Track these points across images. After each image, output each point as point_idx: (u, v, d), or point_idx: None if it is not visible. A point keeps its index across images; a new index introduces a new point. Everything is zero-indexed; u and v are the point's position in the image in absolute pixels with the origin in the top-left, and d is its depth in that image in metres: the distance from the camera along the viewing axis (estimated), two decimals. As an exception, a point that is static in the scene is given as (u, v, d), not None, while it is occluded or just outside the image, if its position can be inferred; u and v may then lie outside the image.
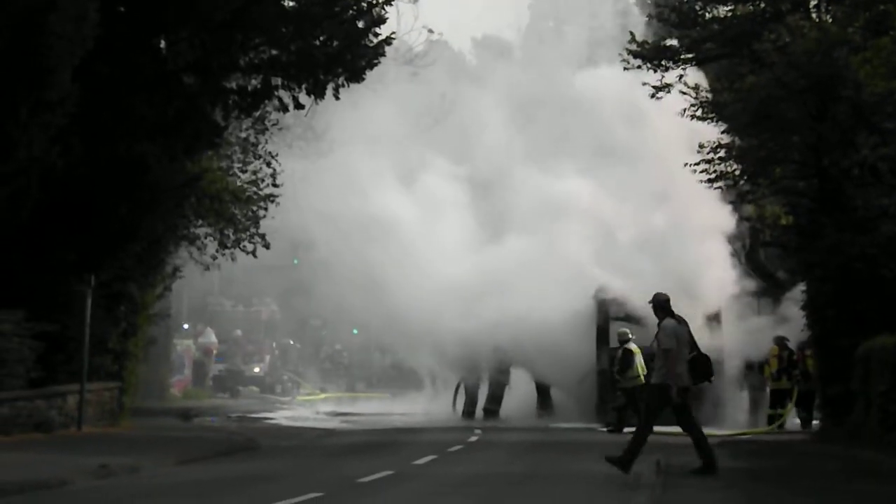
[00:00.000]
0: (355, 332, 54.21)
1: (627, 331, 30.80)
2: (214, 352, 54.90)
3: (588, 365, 34.27)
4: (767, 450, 25.48)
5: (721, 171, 31.89)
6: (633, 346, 30.38)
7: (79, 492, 15.77)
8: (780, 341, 31.29)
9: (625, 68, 36.98)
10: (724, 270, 33.27)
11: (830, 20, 27.39)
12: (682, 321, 18.97)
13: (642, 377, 29.52)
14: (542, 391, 35.04)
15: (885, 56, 19.97)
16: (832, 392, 27.15)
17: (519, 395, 35.67)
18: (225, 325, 58.34)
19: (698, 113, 29.03)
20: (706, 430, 29.09)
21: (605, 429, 30.96)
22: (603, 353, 33.65)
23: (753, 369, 32.38)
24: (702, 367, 19.26)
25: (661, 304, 18.84)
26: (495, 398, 35.37)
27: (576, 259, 33.85)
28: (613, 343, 32.93)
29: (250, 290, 61.21)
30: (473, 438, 26.98)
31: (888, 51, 19.94)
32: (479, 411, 35.77)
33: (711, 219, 33.23)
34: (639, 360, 30.00)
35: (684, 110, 29.27)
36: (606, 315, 33.66)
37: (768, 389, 31.69)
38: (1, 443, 20.94)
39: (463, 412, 35.37)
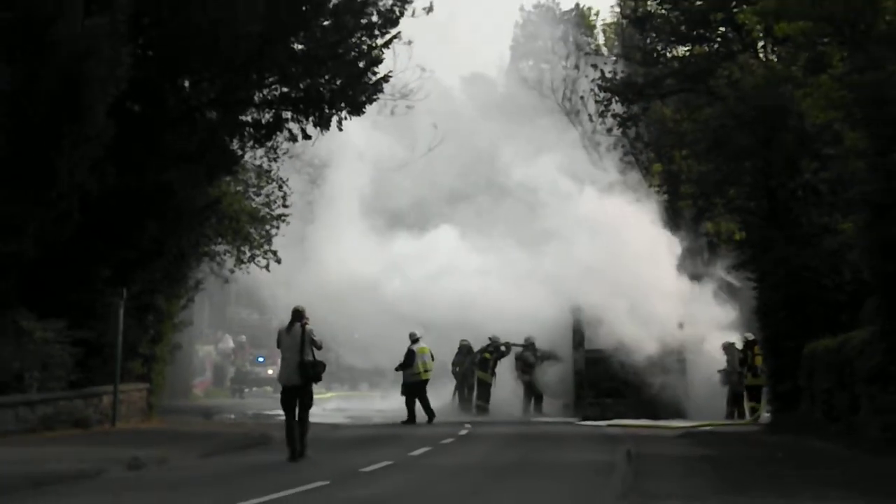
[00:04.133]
0: (356, 335, 54.02)
1: (416, 332, 31.00)
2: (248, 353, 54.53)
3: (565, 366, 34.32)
4: (725, 439, 25.40)
5: (682, 193, 32.08)
6: (415, 348, 30.56)
7: (113, 481, 15.74)
8: (746, 343, 31.23)
9: (596, 101, 37.15)
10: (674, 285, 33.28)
11: (776, 59, 27.54)
12: None
13: (422, 374, 30.25)
14: (533, 389, 34.99)
15: (823, 91, 20.06)
16: (782, 388, 27.18)
17: (505, 392, 35.55)
18: (241, 332, 58.18)
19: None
20: (682, 423, 29.36)
21: (582, 422, 31.03)
22: (579, 355, 33.70)
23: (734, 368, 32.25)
24: None
25: None
26: (484, 395, 35.35)
27: (555, 277, 33.81)
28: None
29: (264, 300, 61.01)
30: (464, 432, 26.81)
31: (826, 86, 20.03)
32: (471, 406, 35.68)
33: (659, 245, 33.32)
34: (420, 358, 30.39)
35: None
36: (580, 324, 33.67)
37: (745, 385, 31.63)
38: (44, 437, 20.95)
39: (460, 407, 35.30)
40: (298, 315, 18.60)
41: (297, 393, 18.53)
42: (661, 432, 27.56)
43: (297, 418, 18.57)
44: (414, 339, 30.85)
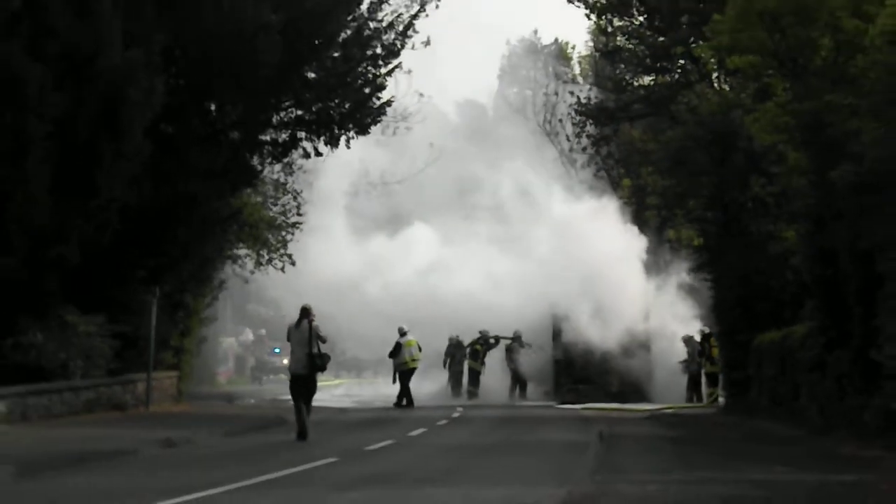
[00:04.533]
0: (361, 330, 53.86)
1: (404, 326, 31.01)
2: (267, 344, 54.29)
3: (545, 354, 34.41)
4: (685, 421, 25.52)
5: (648, 204, 32.16)
6: (402, 340, 30.61)
7: (147, 458, 15.81)
8: (703, 335, 31.37)
9: (573, 123, 37.27)
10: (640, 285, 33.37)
11: (728, 88, 27.64)
12: None
13: (410, 363, 30.26)
14: (518, 377, 35.05)
15: (769, 117, 20.16)
16: (734, 375, 27.25)
17: (493, 380, 35.62)
18: (260, 326, 58.11)
19: None
20: (648, 406, 29.42)
21: (560, 406, 31.14)
22: (557, 346, 33.81)
23: (693, 358, 32.33)
24: None
25: None
26: (474, 381, 35.48)
27: (536, 279, 33.86)
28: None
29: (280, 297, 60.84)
30: (456, 415, 26.81)
31: (772, 113, 20.13)
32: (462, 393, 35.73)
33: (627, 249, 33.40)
34: (406, 350, 30.42)
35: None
36: (557, 319, 33.78)
37: (704, 373, 31.74)
38: (86, 419, 21.03)
39: (453, 394, 35.34)
40: (306, 312, 18.75)
41: (305, 381, 18.68)
42: (630, 415, 27.66)
43: (303, 402, 18.68)
44: (402, 333, 30.97)
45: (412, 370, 30.84)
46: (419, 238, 37.80)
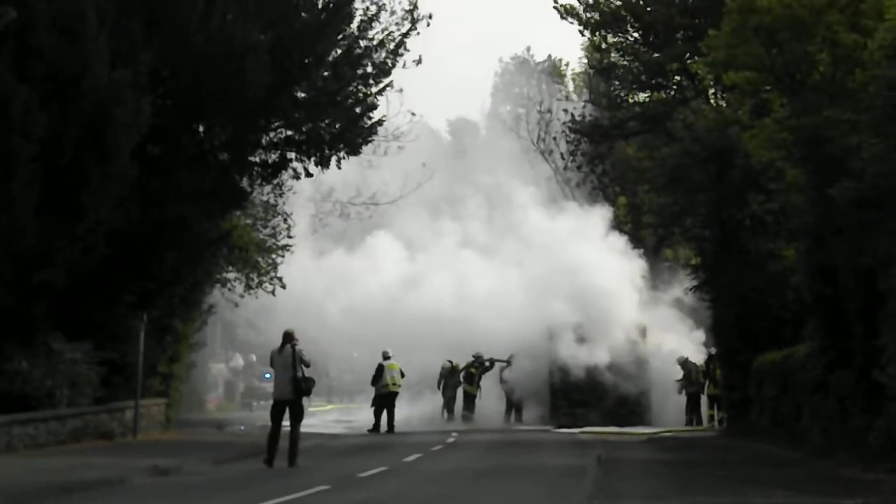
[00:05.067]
0: (355, 354, 53.77)
1: (388, 350, 30.94)
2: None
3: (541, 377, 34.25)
4: (684, 444, 25.45)
5: (644, 223, 32.13)
6: (385, 364, 30.55)
7: (135, 487, 15.71)
8: (709, 356, 31.28)
9: (567, 141, 37.28)
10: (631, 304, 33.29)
11: (725, 105, 27.68)
12: None
13: (391, 387, 30.23)
14: (513, 400, 34.87)
15: (767, 133, 20.20)
16: (734, 397, 27.21)
17: (489, 403, 35.46)
18: (250, 351, 57.87)
19: None
20: (647, 430, 29.29)
21: (557, 430, 30.98)
22: (553, 370, 33.62)
23: (689, 379, 32.30)
24: None
25: None
26: (470, 405, 35.29)
27: (534, 297, 33.75)
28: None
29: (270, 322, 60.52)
30: (451, 440, 26.67)
31: (770, 129, 20.17)
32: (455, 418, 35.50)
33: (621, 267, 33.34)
34: (388, 373, 30.34)
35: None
36: (555, 340, 33.60)
37: (706, 395, 31.61)
38: (73, 448, 20.90)
39: (447, 418, 35.14)
40: (289, 337, 18.69)
41: (291, 406, 18.57)
42: (628, 438, 27.56)
43: (290, 429, 18.51)
44: (385, 357, 30.92)
45: (393, 394, 30.77)
46: (393, 256, 37.55)
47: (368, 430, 30.14)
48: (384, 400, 30.58)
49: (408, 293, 35.57)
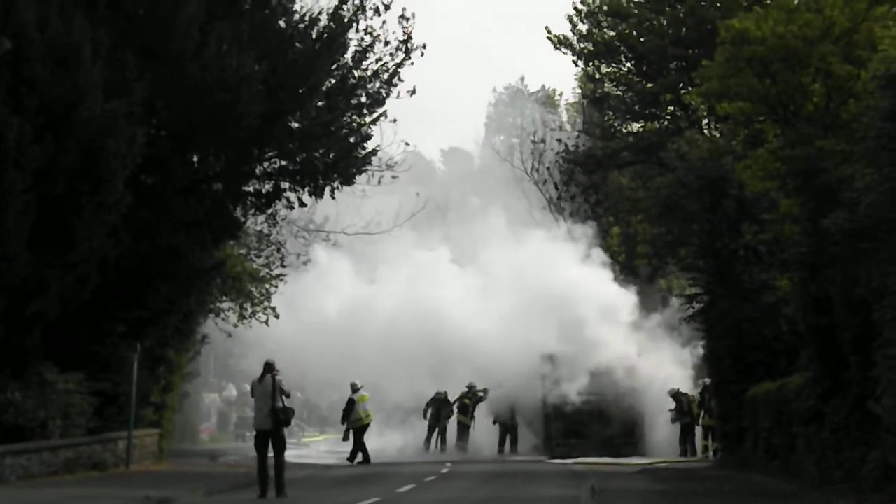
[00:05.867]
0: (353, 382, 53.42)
1: (357, 382, 30.86)
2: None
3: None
4: (678, 475, 25.40)
5: (638, 253, 32.21)
6: (355, 397, 30.51)
7: (129, 518, 15.75)
8: (704, 387, 31.26)
9: (561, 171, 37.40)
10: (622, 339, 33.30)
11: (718, 135, 27.83)
12: None
13: (365, 419, 30.24)
14: (509, 431, 34.76)
15: (761, 163, 20.33)
16: (728, 427, 27.16)
17: (482, 433, 35.35)
18: (243, 381, 57.66)
19: None
20: (641, 460, 29.18)
21: (551, 461, 30.92)
22: (547, 401, 33.53)
23: (682, 410, 32.27)
24: None
25: None
26: (464, 436, 35.20)
27: (525, 326, 33.69)
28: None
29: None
30: (445, 470, 26.59)
31: (763, 159, 20.30)
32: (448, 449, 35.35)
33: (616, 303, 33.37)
34: (360, 406, 30.32)
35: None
36: (551, 370, 33.56)
37: (700, 426, 31.60)
38: (65, 480, 20.83)
39: (441, 449, 35.00)
40: (269, 367, 18.66)
41: (269, 436, 18.53)
42: (622, 468, 27.52)
43: (273, 459, 18.46)
44: (354, 389, 30.84)
45: (366, 426, 30.72)
46: (391, 289, 37.47)
47: (357, 462, 29.98)
48: (357, 433, 30.58)
49: (402, 322, 35.48)
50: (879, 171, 16.66)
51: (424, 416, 34.94)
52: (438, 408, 34.88)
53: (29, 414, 20.93)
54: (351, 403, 30.69)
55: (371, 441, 33.34)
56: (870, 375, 17.27)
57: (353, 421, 30.63)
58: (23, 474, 20.33)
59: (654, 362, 33.25)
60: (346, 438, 30.95)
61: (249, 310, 32.68)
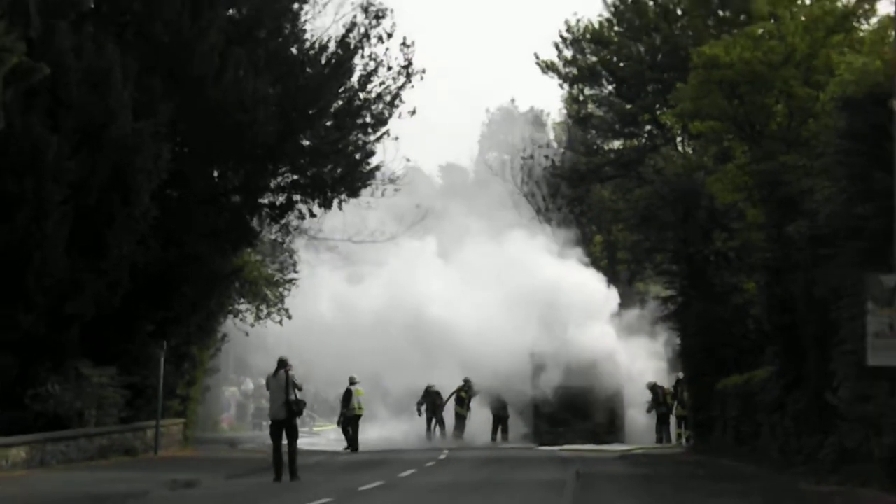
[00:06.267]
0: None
1: (354, 376, 30.86)
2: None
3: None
4: (655, 460, 25.50)
5: (619, 259, 32.27)
6: (353, 388, 30.53)
7: (156, 499, 15.75)
8: (677, 380, 31.37)
9: (548, 184, 37.42)
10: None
11: (691, 151, 27.97)
12: None
13: (357, 411, 30.24)
14: (501, 421, 34.79)
15: (730, 177, 20.49)
16: (700, 417, 27.26)
17: (477, 422, 35.36)
18: (259, 376, 57.58)
19: None
20: (621, 447, 29.17)
21: (539, 448, 31.00)
22: (536, 392, 33.63)
23: (658, 401, 32.36)
24: None
25: None
26: (460, 427, 35.26)
27: (516, 323, 33.71)
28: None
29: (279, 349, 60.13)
30: (443, 456, 26.58)
31: (732, 173, 20.47)
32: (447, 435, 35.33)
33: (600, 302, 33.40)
34: (356, 398, 30.31)
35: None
36: (538, 365, 33.67)
37: (674, 415, 31.72)
38: (100, 465, 20.99)
39: (441, 435, 34.98)
40: (283, 363, 18.81)
41: (283, 426, 18.66)
42: (604, 455, 27.59)
43: (287, 446, 18.57)
44: (352, 382, 30.84)
45: (358, 417, 30.81)
46: (392, 292, 37.36)
47: (348, 448, 30.17)
48: (350, 422, 30.69)
49: (390, 319, 35.42)
50: (837, 184, 16.84)
51: (419, 413, 34.90)
52: (432, 401, 34.92)
53: (67, 405, 21.10)
54: (348, 394, 30.81)
55: (375, 431, 33.47)
56: (828, 369, 17.42)
57: (349, 411, 30.74)
58: (62, 459, 20.51)
59: (633, 357, 33.39)
60: (339, 423, 30.97)
61: (265, 311, 32.82)
